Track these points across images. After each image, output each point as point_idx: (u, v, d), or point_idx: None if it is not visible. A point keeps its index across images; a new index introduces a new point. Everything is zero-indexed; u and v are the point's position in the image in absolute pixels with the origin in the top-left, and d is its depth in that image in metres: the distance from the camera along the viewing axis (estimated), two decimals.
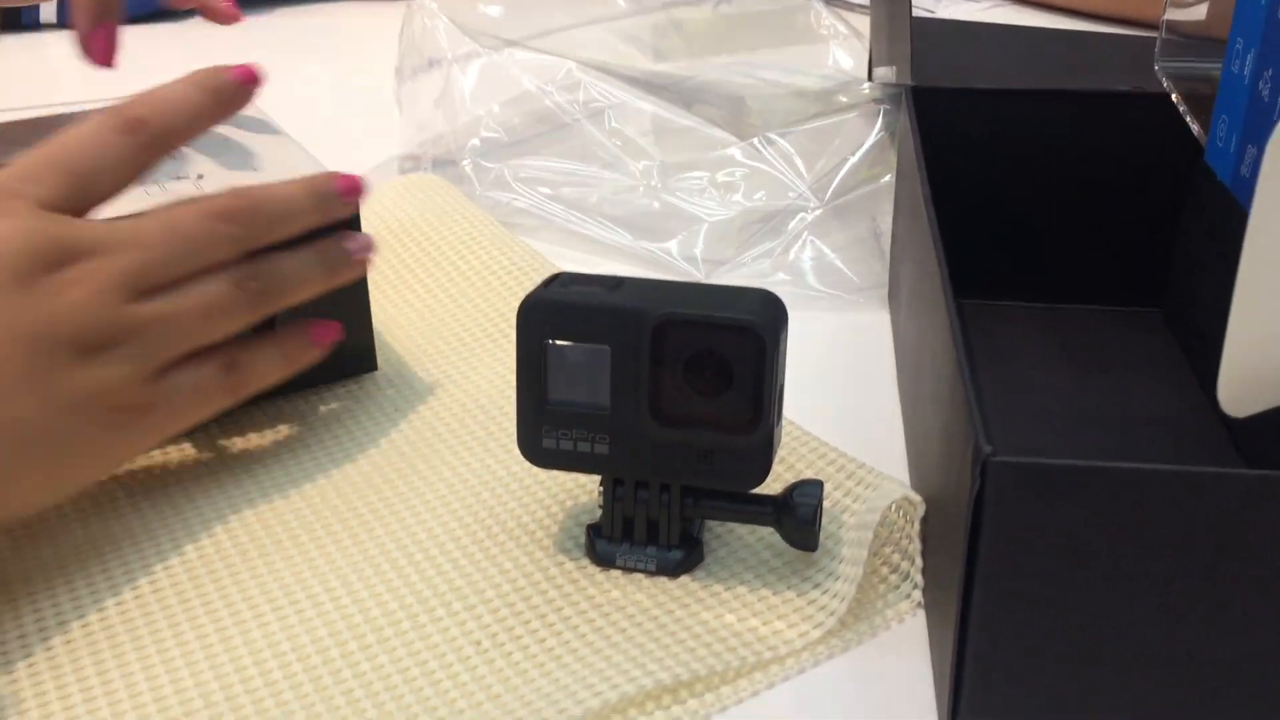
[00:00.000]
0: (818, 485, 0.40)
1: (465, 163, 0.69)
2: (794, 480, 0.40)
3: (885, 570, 0.41)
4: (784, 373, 0.39)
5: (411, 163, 0.73)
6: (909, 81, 0.55)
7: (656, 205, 0.65)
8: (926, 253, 0.42)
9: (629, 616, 0.39)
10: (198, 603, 0.39)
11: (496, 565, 0.41)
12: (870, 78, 0.81)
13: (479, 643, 0.38)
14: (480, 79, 0.73)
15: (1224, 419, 0.45)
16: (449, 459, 0.46)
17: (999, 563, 0.31)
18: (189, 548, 0.41)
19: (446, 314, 0.56)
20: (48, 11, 1.01)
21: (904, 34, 0.55)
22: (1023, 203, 0.54)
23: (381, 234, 0.61)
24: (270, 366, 0.44)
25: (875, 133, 0.64)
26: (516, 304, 0.55)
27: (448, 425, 0.48)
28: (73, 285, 0.36)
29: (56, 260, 0.36)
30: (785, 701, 0.36)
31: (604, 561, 0.41)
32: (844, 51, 0.89)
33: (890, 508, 0.40)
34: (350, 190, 0.45)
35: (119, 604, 0.39)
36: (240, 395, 0.42)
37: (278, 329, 0.44)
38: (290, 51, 0.99)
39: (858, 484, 0.43)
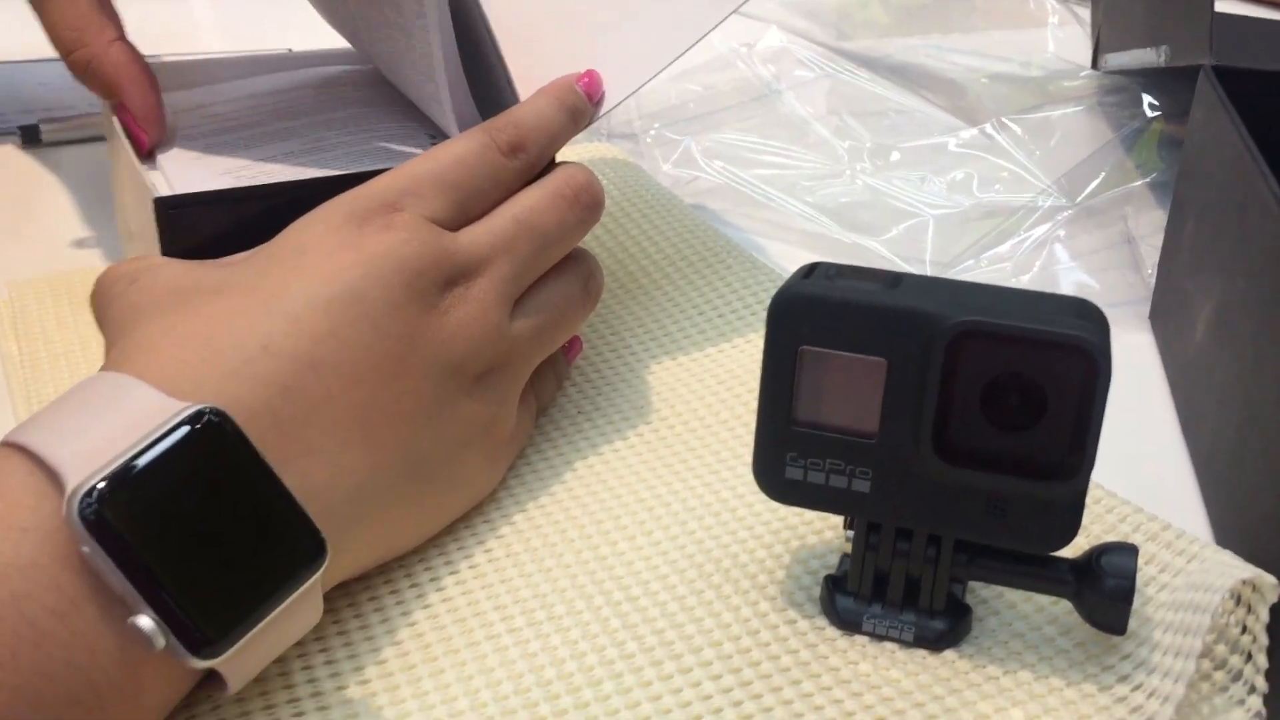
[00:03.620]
0: (1131, 553, 0.31)
1: (648, 134, 0.61)
2: (1087, 543, 0.32)
3: (1208, 666, 0.32)
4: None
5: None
6: (1208, 60, 0.46)
7: (866, 194, 0.57)
8: None
9: (885, 700, 0.31)
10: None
11: (715, 617, 0.33)
12: (1095, 65, 0.72)
13: (697, 716, 0.30)
14: None
15: None
16: (652, 482, 0.39)
17: None
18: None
19: (644, 313, 0.48)
20: None
21: (1201, 4, 0.46)
22: None
23: None
24: (552, 387, 0.42)
25: (1129, 126, 0.55)
26: (716, 296, 0.49)
27: (647, 443, 0.41)
28: (461, 304, 0.35)
29: (447, 277, 0.35)
30: None
31: (847, 623, 0.33)
32: (1060, 36, 0.79)
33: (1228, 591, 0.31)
34: (594, 90, 0.41)
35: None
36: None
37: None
38: None
39: (1165, 549, 0.35)
